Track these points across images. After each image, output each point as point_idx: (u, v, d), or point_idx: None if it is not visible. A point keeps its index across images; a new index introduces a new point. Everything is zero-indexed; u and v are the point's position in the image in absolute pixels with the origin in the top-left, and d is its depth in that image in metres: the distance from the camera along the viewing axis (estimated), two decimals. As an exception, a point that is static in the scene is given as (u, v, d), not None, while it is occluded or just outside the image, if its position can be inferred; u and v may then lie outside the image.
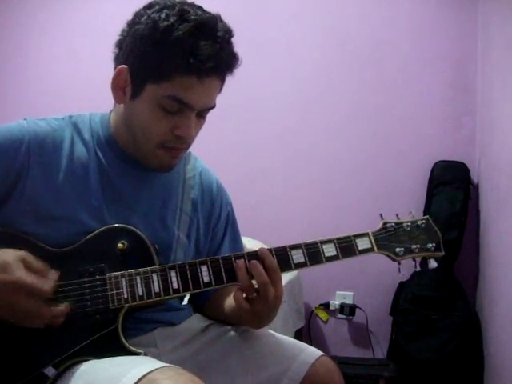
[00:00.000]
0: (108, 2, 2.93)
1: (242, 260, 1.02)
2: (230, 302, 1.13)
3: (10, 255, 0.89)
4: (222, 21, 1.02)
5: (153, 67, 0.98)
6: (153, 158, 1.06)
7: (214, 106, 1.06)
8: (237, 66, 1.04)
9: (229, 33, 1.02)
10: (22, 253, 0.91)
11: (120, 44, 1.05)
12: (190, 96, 0.99)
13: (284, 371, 1.06)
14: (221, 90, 1.08)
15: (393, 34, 2.67)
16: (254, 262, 1.01)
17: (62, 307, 0.93)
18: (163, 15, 0.97)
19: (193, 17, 0.97)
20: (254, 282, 1.02)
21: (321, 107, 2.73)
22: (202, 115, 1.06)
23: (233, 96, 2.46)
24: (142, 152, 1.06)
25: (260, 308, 1.02)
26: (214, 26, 0.99)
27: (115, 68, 1.05)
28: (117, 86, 1.04)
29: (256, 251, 1.04)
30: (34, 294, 0.88)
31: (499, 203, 2.07)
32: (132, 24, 1.02)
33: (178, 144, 1.05)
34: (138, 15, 1.03)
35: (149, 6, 1.02)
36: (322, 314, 2.70)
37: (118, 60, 1.05)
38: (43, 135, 1.05)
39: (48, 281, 0.91)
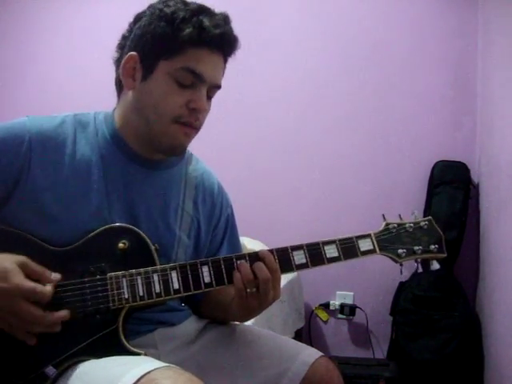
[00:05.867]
0: (108, 2, 2.93)
1: (243, 261, 1.03)
2: (221, 297, 1.15)
3: (9, 261, 0.90)
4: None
5: (165, 44, 1.03)
6: (166, 136, 1.06)
7: (220, 86, 1.11)
8: (238, 47, 1.10)
9: (227, 16, 1.08)
10: (21, 258, 0.91)
11: (122, 46, 1.09)
12: (201, 67, 1.04)
13: (283, 372, 1.06)
14: (223, 72, 1.11)
15: (393, 34, 2.67)
16: (257, 262, 1.02)
17: (62, 314, 0.93)
18: (166, 5, 1.05)
19: (193, 5, 1.06)
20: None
21: (321, 107, 2.72)
22: (209, 95, 1.09)
23: (233, 96, 2.49)
24: (155, 132, 1.06)
25: (255, 304, 1.03)
26: (213, 10, 1.07)
27: (117, 70, 1.09)
28: (127, 74, 1.07)
29: (257, 252, 1.04)
30: (32, 300, 0.89)
31: (499, 203, 2.07)
32: (135, 22, 1.09)
33: (193, 118, 1.06)
34: (139, 14, 1.08)
35: (149, 6, 1.08)
36: (322, 314, 2.70)
37: (119, 62, 1.08)
38: (45, 133, 1.04)
39: (47, 285, 0.92)
